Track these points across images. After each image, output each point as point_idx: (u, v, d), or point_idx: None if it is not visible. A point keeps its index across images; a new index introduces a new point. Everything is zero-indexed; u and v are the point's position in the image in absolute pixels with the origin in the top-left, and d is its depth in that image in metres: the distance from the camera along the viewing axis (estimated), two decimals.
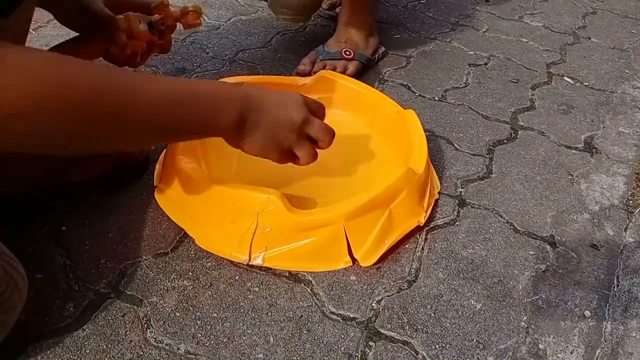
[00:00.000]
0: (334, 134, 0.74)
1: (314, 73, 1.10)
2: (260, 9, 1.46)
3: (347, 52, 1.18)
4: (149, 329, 0.67)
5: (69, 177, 0.80)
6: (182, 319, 0.68)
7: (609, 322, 0.73)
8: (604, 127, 1.13)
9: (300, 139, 0.71)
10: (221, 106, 0.64)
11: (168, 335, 0.66)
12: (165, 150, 0.90)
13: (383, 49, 1.30)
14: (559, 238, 0.85)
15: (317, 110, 0.75)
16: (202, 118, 0.64)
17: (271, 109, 0.68)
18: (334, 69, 1.14)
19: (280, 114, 0.69)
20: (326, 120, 0.99)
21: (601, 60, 1.39)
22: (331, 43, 1.22)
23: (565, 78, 1.29)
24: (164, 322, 0.67)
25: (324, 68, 1.13)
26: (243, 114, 0.66)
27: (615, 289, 0.78)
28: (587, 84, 1.28)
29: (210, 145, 0.91)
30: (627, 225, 0.89)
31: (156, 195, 0.84)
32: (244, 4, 1.48)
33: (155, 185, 0.86)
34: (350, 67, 1.18)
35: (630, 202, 0.94)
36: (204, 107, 0.63)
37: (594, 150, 1.05)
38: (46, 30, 1.26)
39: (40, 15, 1.27)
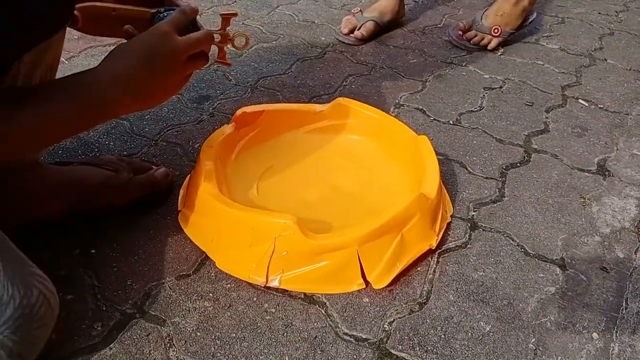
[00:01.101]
0: (211, 38, 0.70)
1: (465, 38, 1.52)
2: (281, 36, 1.51)
3: (496, 30, 1.48)
4: (172, 348, 0.70)
5: (104, 202, 0.85)
6: (202, 339, 0.72)
7: (617, 344, 0.74)
8: (617, 149, 1.14)
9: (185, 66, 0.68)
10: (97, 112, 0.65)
11: (189, 354, 0.70)
12: (189, 176, 0.95)
13: (534, 16, 1.56)
14: (569, 261, 0.87)
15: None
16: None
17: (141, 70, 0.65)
18: (481, 40, 1.50)
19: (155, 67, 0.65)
20: (341, 145, 1.03)
21: (617, 82, 1.40)
22: (490, 14, 1.51)
23: (580, 100, 1.31)
24: (185, 341, 0.71)
25: (475, 37, 1.50)
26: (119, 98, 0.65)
27: (623, 312, 0.79)
28: (601, 106, 1.29)
29: (232, 169, 0.96)
30: (638, 247, 0.90)
31: (179, 219, 0.88)
32: (266, 32, 1.53)
33: (179, 209, 0.90)
34: (493, 43, 1.50)
35: None
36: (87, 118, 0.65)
37: (606, 173, 1.07)
38: (78, 61, 1.33)
39: (73, 45, 1.35)
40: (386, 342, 0.73)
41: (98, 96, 0.62)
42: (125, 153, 1.02)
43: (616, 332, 0.76)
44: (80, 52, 1.35)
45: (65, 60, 1.30)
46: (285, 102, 1.21)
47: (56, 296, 0.63)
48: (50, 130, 0.62)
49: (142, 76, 0.64)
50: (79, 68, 1.29)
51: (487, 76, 1.39)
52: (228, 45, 0.78)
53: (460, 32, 1.51)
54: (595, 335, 0.75)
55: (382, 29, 1.55)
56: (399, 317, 0.76)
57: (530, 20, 1.55)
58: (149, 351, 0.70)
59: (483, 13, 1.52)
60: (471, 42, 1.50)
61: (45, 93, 0.62)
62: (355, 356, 0.71)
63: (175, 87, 0.71)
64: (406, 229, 0.82)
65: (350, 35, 1.50)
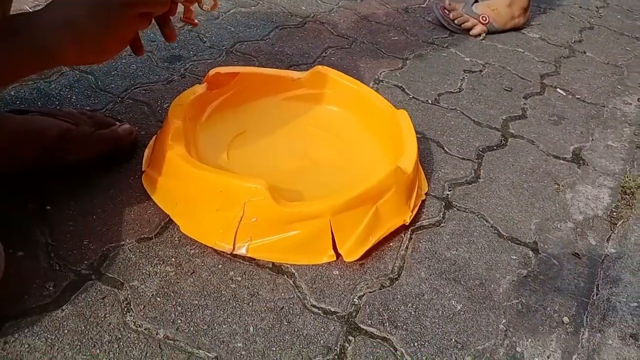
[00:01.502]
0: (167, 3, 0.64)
1: (451, 19, 1.47)
2: (261, 2, 1.46)
3: (484, 18, 1.46)
4: (129, 312, 0.66)
5: (66, 157, 0.79)
6: (162, 305, 0.68)
7: (587, 330, 0.74)
8: (592, 139, 1.14)
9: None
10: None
11: (148, 319, 0.66)
12: (155, 136, 0.90)
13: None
14: (542, 245, 0.86)
15: None
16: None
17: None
18: (465, 22, 1.47)
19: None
20: (318, 115, 0.99)
21: (595, 74, 1.40)
22: (482, 5, 1.49)
23: (558, 90, 1.30)
24: (144, 306, 0.67)
25: (459, 17, 1.47)
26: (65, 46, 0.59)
27: (594, 297, 0.78)
28: (579, 96, 1.29)
29: (202, 131, 0.91)
30: (610, 236, 0.90)
31: (143, 180, 0.83)
32: None
33: (143, 170, 0.85)
34: (477, 29, 1.47)
35: (614, 213, 0.95)
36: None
37: (581, 162, 1.06)
38: None
39: None
40: (355, 317, 0.70)
41: (37, 45, 0.57)
42: (88, 108, 0.96)
43: (586, 317, 0.75)
44: (46, 1, 1.27)
45: (30, 9, 1.22)
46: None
47: (2, 254, 0.58)
48: None
49: (89, 25, 0.58)
50: None
51: (467, 59, 1.37)
52: (195, 5, 0.72)
53: (446, 11, 1.48)
54: (565, 319, 0.74)
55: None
56: (369, 292, 0.73)
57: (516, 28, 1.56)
58: (104, 314, 0.65)
59: (475, 2, 1.49)
60: (455, 21, 1.47)
61: None
62: (322, 329, 0.68)
63: (120, 44, 0.63)
64: (381, 202, 0.79)
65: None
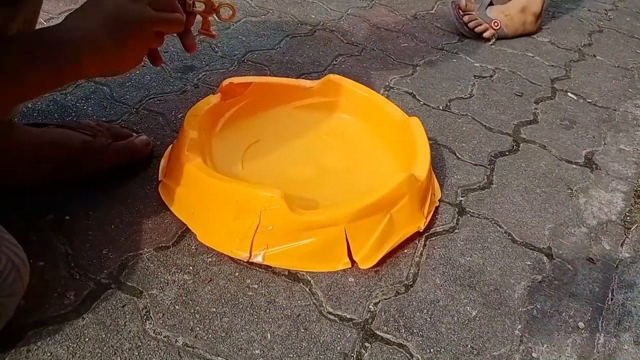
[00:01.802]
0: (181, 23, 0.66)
1: (465, 21, 1.46)
2: (271, 11, 1.47)
3: (496, 24, 1.46)
4: (148, 320, 0.67)
5: (77, 169, 0.81)
6: (181, 313, 0.69)
7: (602, 335, 0.74)
8: (605, 143, 1.14)
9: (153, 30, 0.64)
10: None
11: (167, 327, 0.67)
12: (171, 145, 0.91)
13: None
14: (556, 250, 0.86)
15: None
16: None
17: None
18: (477, 26, 1.46)
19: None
20: (331, 123, 1.00)
21: (605, 78, 1.40)
22: (495, 9, 1.49)
23: (569, 94, 1.31)
24: (163, 314, 0.68)
25: (473, 21, 1.46)
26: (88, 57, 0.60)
27: (609, 302, 0.78)
28: (590, 100, 1.29)
29: (217, 141, 0.92)
30: (624, 240, 0.90)
31: (160, 190, 0.85)
32: (255, 6, 1.49)
33: (159, 179, 0.87)
34: (488, 32, 1.47)
35: (628, 218, 0.95)
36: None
37: (594, 166, 1.07)
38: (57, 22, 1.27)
39: (53, 6, 1.29)
40: (371, 323, 0.71)
41: (62, 59, 0.58)
42: (104, 119, 0.97)
43: (602, 322, 0.75)
44: (60, 14, 1.29)
45: (44, 21, 1.24)
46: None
47: (27, 264, 0.60)
48: (18, 88, 0.57)
49: (107, 41, 0.60)
50: None
51: (477, 64, 1.38)
52: (213, 16, 0.73)
53: (461, 12, 1.48)
54: (581, 324, 0.75)
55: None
56: (385, 299, 0.74)
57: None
58: (125, 323, 0.66)
59: (489, 5, 1.50)
60: (468, 24, 1.48)
61: (16, 48, 0.57)
62: (339, 336, 0.68)
63: (137, 58, 0.65)
64: (395, 210, 0.80)
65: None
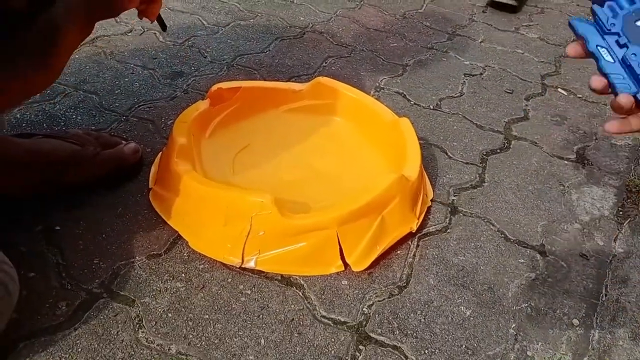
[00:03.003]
0: None
1: None
2: (259, 14, 1.47)
3: None
4: (141, 329, 0.67)
5: (66, 179, 0.80)
6: (174, 320, 0.68)
7: (597, 331, 0.74)
8: (596, 139, 1.14)
9: None
10: None
11: (160, 335, 0.66)
12: (160, 153, 0.91)
13: None
14: (549, 247, 0.86)
15: None
16: None
17: None
18: None
19: None
20: (321, 126, 1.00)
21: (595, 72, 1.40)
22: None
23: (559, 90, 1.31)
24: (155, 322, 0.68)
25: None
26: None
27: (603, 299, 0.78)
28: (580, 96, 1.29)
29: (207, 147, 0.92)
30: (617, 235, 0.90)
31: (150, 197, 0.84)
32: (243, 10, 1.49)
33: (150, 187, 0.86)
34: None
35: (621, 213, 0.95)
36: None
37: (585, 162, 1.07)
38: None
39: None
40: (365, 326, 0.70)
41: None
42: (93, 128, 0.97)
43: (596, 319, 0.75)
44: None
45: None
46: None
47: (16, 281, 0.59)
48: None
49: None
50: None
51: (467, 62, 1.38)
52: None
53: None
54: (575, 321, 0.74)
55: None
56: (379, 301, 0.74)
57: None
58: (117, 332, 0.66)
59: None
60: None
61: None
62: (333, 339, 0.68)
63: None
64: (387, 211, 0.80)
65: None
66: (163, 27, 0.80)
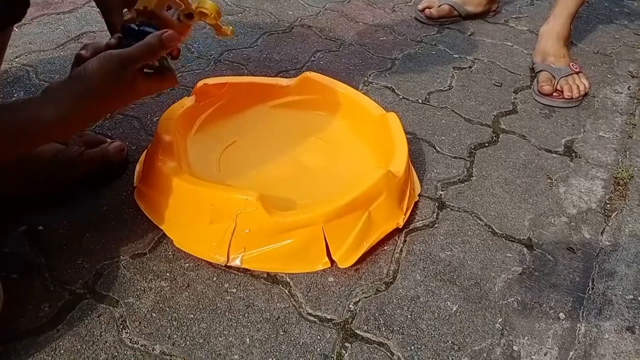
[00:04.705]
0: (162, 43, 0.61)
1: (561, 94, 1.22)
2: (247, 9, 1.46)
3: (574, 66, 1.27)
4: (125, 329, 0.66)
5: (50, 178, 0.80)
6: (158, 320, 0.68)
7: (583, 324, 0.74)
8: (584, 131, 1.14)
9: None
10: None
11: (144, 336, 0.66)
12: (145, 151, 0.90)
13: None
14: (537, 241, 0.86)
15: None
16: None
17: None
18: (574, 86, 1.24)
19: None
20: (308, 122, 0.99)
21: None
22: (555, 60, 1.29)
23: None
24: (139, 322, 0.67)
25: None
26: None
27: (590, 292, 0.78)
28: None
29: (191, 145, 0.91)
30: (604, 228, 0.90)
31: (135, 196, 0.84)
32: (231, 4, 1.47)
33: (134, 185, 0.85)
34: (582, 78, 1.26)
35: (608, 205, 0.95)
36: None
37: (573, 155, 1.06)
38: (30, 28, 1.25)
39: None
40: (351, 323, 0.70)
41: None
42: None
43: (583, 312, 0.75)
44: (32, 20, 1.28)
45: (16, 27, 1.22)
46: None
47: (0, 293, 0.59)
48: None
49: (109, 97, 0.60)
50: (30, 36, 1.21)
51: (456, 56, 1.37)
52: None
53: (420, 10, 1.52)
54: (562, 315, 0.74)
55: (462, 17, 1.53)
56: (365, 297, 0.74)
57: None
58: (100, 333, 0.66)
59: None
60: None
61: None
62: (319, 337, 0.68)
63: (136, 95, 0.64)
64: (373, 207, 0.79)
65: (422, 11, 1.51)
66: None
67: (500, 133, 1.10)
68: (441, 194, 0.93)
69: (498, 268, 0.80)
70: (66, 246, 0.75)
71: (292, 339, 0.68)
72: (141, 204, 0.82)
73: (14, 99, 0.59)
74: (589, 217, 0.92)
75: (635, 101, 1.27)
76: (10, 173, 0.77)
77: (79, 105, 0.58)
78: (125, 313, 0.68)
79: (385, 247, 0.81)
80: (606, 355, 0.70)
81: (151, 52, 0.60)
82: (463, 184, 0.95)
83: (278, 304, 0.72)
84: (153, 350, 0.65)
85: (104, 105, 0.61)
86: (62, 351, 0.63)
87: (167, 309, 0.69)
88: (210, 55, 1.24)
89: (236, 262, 0.75)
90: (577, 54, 1.45)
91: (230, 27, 0.74)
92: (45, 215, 0.79)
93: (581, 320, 0.74)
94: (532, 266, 0.81)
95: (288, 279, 0.75)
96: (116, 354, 0.64)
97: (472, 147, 1.05)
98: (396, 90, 1.20)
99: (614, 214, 0.93)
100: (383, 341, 0.68)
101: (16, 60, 1.13)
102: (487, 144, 1.06)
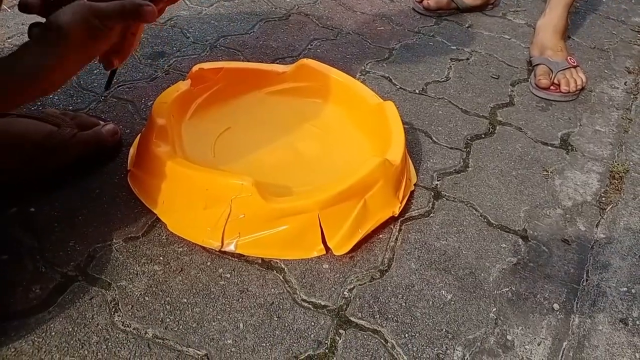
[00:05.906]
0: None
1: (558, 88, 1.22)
2: None
3: (572, 60, 1.26)
4: (117, 312, 0.66)
5: (42, 160, 0.78)
6: (151, 304, 0.67)
7: (577, 316, 0.74)
8: (580, 125, 1.14)
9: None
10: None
11: (136, 319, 0.65)
12: (139, 134, 0.89)
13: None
14: (532, 232, 0.86)
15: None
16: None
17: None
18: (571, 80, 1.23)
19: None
20: (304, 109, 0.98)
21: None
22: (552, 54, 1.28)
23: None
24: (132, 306, 0.67)
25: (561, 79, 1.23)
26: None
27: (584, 284, 0.78)
28: None
29: (187, 129, 0.90)
30: (599, 221, 0.90)
31: (129, 179, 0.83)
32: None
33: (128, 169, 0.84)
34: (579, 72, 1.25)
35: (603, 199, 0.95)
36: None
37: (569, 148, 1.06)
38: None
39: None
40: (346, 310, 0.70)
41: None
42: (71, 108, 0.95)
43: (577, 303, 0.75)
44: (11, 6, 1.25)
45: (8, 8, 1.20)
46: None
47: None
48: None
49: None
50: (22, 17, 1.19)
51: (454, 47, 1.37)
52: None
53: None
54: (556, 306, 0.74)
55: (460, 9, 1.52)
56: (360, 285, 0.73)
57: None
58: (92, 315, 0.65)
59: None
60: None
61: None
62: (313, 323, 0.67)
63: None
64: (369, 195, 0.79)
65: (420, 2, 1.50)
66: (108, 84, 0.71)
67: (496, 125, 1.10)
68: (437, 184, 0.92)
69: (493, 258, 0.80)
70: (58, 228, 0.74)
71: (286, 324, 0.67)
72: (135, 188, 0.81)
73: None
74: (584, 210, 0.92)
75: (632, 96, 1.27)
76: (2, 155, 0.76)
77: (60, 52, 0.54)
78: (117, 296, 0.67)
79: (381, 236, 0.81)
80: (599, 346, 0.70)
81: (121, 16, 0.56)
82: (459, 175, 0.95)
83: (272, 290, 0.71)
84: (145, 333, 0.64)
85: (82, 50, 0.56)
86: (53, 333, 0.63)
87: (160, 293, 0.69)
88: (206, 41, 1.22)
89: (230, 248, 0.74)
90: (575, 48, 1.45)
91: None
92: (37, 198, 0.78)
93: (575, 311, 0.74)
94: (527, 257, 0.81)
95: (283, 265, 0.74)
96: (108, 336, 0.63)
97: (469, 138, 1.05)
98: (393, 80, 1.19)
99: (609, 207, 0.93)
100: (377, 328, 0.68)
101: (8, 40, 1.12)
102: (483, 136, 1.06)
